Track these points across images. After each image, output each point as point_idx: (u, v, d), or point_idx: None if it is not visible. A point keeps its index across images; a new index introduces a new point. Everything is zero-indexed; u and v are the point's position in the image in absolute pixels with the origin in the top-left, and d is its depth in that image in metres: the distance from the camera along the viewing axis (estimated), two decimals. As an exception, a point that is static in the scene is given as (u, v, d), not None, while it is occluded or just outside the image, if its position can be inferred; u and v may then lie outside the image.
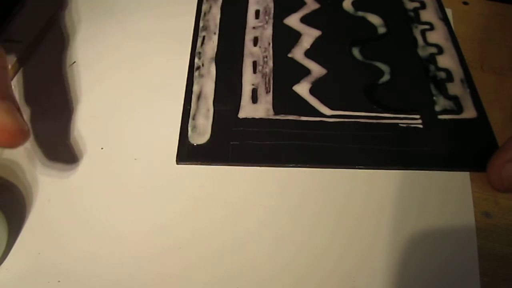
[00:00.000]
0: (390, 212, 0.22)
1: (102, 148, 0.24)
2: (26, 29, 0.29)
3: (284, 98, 0.26)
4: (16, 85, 0.27)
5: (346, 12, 0.32)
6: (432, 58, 0.29)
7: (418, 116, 0.26)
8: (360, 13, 0.32)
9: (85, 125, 0.25)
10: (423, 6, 0.32)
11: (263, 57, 0.29)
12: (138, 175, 0.23)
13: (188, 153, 0.24)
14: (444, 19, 0.31)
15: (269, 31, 0.30)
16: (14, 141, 0.17)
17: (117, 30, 0.30)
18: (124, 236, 0.21)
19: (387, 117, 0.26)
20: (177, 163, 0.24)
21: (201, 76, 0.27)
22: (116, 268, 0.20)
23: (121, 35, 0.30)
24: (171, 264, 0.20)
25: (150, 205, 0.22)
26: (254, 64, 0.28)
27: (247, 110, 0.26)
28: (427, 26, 0.31)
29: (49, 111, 0.26)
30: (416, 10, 0.32)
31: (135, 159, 0.24)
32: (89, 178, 0.23)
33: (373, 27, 0.31)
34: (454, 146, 0.24)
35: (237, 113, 0.26)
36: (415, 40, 0.30)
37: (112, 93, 0.27)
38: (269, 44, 0.29)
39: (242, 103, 0.26)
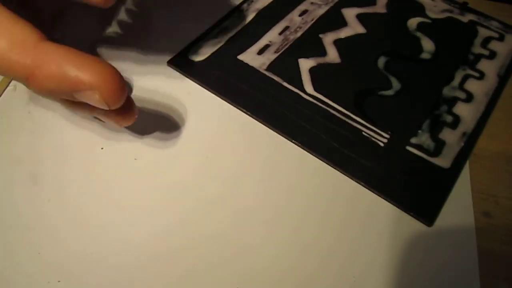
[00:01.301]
0: (390, 211, 0.23)
1: (102, 148, 0.24)
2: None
3: (284, 63, 0.28)
4: (16, 86, 0.27)
5: (405, 27, 0.31)
6: (452, 101, 0.27)
7: (387, 135, 0.25)
8: (418, 34, 0.31)
9: (85, 125, 0.25)
10: (491, 56, 0.30)
11: (297, 27, 0.30)
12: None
13: (179, 60, 0.28)
14: (503, 78, 0.28)
15: (321, 11, 0.32)
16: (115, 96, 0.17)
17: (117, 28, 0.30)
18: (124, 236, 0.21)
19: (356, 120, 0.26)
20: (167, 64, 0.28)
21: (237, 17, 0.31)
22: (116, 268, 0.20)
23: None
24: (171, 264, 0.21)
25: (150, 205, 0.22)
26: (285, 28, 0.30)
27: (248, 56, 0.28)
28: (476, 74, 0.29)
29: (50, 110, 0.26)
30: (478, 56, 0.30)
31: (135, 159, 0.24)
32: (89, 178, 0.23)
33: (419, 49, 0.30)
34: (398, 178, 0.23)
35: (238, 54, 0.28)
36: (450, 78, 0.28)
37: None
38: (312, 20, 0.31)
39: (248, 49, 0.29)
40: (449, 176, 0.24)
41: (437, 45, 0.30)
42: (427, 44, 0.30)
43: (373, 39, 0.30)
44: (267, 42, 0.29)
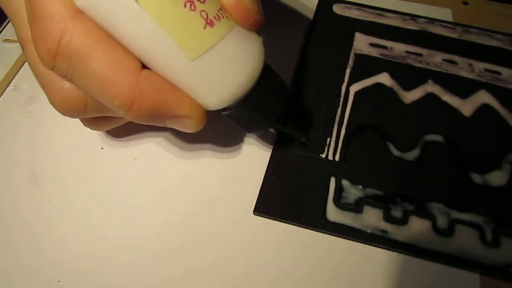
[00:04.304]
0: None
1: (102, 148, 0.24)
2: (26, 29, 0.30)
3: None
4: (16, 86, 0.27)
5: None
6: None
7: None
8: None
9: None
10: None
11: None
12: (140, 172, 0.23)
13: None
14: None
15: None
16: (247, 19, 0.17)
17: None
18: (124, 236, 0.21)
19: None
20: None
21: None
22: (116, 268, 0.20)
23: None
24: (171, 264, 0.20)
25: (150, 205, 0.22)
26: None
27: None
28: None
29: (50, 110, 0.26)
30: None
31: (135, 159, 0.24)
32: (89, 178, 0.23)
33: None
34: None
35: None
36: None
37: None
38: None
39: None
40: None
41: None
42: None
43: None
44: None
